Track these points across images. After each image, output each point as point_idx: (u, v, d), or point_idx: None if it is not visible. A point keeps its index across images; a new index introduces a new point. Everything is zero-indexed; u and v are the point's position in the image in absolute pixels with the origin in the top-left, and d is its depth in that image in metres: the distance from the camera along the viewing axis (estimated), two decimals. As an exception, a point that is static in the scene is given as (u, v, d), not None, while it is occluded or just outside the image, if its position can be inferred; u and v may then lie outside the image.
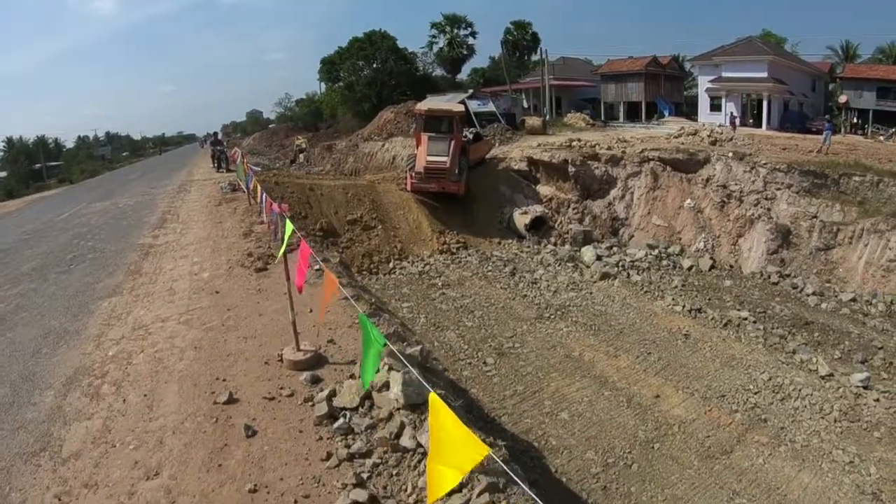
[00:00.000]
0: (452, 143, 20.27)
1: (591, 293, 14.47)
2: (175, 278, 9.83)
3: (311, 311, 7.35)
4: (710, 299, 15.79)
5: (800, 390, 11.10)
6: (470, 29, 55.19)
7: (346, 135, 49.67)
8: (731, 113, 35.26)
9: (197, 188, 22.22)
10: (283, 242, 6.70)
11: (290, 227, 6.55)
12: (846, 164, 19.39)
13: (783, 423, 10.03)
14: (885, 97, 30.66)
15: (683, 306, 14.15)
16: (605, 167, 21.42)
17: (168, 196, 21.00)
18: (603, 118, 42.00)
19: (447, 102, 26.46)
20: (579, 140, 24.12)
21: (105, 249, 12.45)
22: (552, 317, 12.92)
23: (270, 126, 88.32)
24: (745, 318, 14.52)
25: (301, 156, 43.01)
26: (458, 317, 12.74)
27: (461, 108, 22.31)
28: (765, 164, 20.30)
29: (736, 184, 20.40)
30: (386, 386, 5.41)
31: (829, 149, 21.47)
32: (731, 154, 21.23)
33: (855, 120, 33.21)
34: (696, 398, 10.41)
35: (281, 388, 5.69)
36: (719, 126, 26.43)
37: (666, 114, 41.01)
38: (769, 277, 17.85)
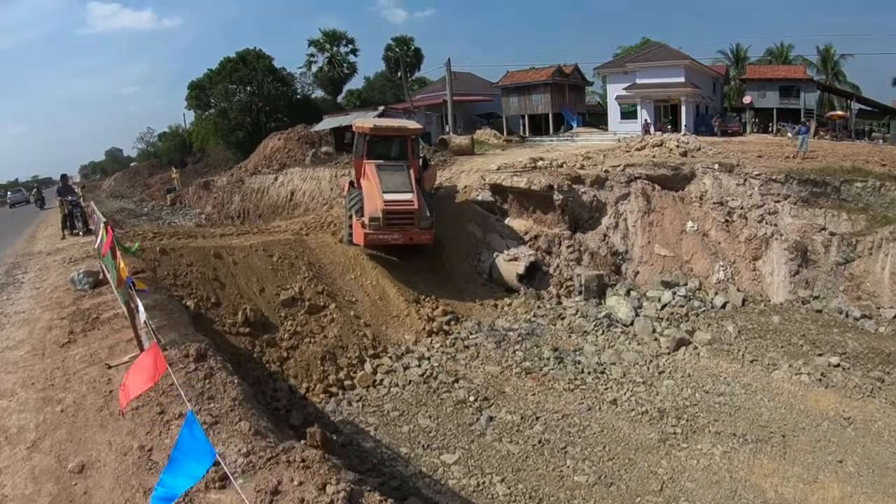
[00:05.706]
0: (411, 172, 15.29)
1: (689, 376, 10.49)
2: None
3: None
4: (783, 347, 12.78)
5: None
6: (351, 46, 49.93)
7: (218, 169, 41.69)
8: (646, 120, 34.50)
9: (33, 277, 12.71)
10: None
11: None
12: (844, 169, 17.95)
13: None
14: (787, 96, 31.60)
15: (809, 374, 10.83)
16: (592, 191, 17.85)
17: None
18: (506, 133, 39.43)
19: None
20: (542, 159, 20.50)
21: None
22: (679, 432, 8.68)
23: (132, 164, 77.71)
24: (838, 365, 11.88)
25: (168, 196, 34.65)
26: (554, 469, 7.87)
27: (417, 125, 17.19)
28: (758, 175, 18.24)
29: (733, 199, 18.07)
30: None
31: (805, 153, 20.14)
32: (716, 166, 18.95)
33: (755, 119, 34.02)
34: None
35: None
36: (683, 134, 24.49)
37: (574, 125, 39.51)
38: (809, 304, 15.55)
